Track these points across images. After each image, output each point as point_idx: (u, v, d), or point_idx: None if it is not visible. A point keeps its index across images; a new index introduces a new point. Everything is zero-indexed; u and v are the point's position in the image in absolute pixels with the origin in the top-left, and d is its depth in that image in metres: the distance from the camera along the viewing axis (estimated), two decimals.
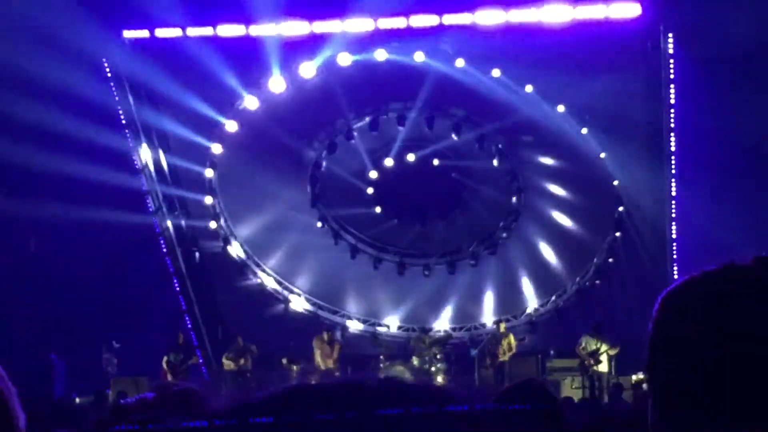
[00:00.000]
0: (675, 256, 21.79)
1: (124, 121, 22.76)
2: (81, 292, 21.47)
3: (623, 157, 22.28)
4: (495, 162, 23.49)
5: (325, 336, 21.90)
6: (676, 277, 21.31)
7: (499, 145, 23.30)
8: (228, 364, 21.84)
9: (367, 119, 23.34)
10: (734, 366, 1.42)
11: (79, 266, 21.40)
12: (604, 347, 20.10)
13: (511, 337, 21.50)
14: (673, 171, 21.48)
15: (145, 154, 23.39)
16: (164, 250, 24.11)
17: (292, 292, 24.87)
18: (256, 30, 21.65)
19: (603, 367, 20.23)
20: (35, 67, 19.67)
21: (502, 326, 21.71)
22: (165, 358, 21.08)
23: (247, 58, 22.05)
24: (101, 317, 21.64)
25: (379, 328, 24.17)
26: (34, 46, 19.64)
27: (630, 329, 21.33)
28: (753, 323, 1.43)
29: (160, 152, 23.65)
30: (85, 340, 21.51)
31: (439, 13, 21.06)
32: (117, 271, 22.10)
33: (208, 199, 23.95)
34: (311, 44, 21.92)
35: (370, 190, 24.23)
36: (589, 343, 20.38)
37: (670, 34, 20.49)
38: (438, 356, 22.16)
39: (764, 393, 1.40)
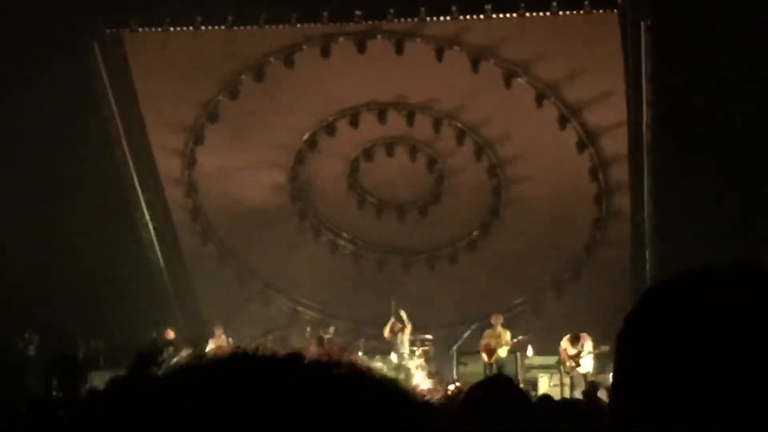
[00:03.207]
0: (651, 255, 21.89)
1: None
2: (59, 285, 21.40)
3: (602, 154, 22.42)
4: (474, 159, 23.49)
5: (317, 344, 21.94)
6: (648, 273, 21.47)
7: (479, 142, 23.32)
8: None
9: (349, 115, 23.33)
10: (703, 368, 1.41)
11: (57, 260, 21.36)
12: (586, 349, 20.20)
13: (508, 334, 21.56)
14: (650, 166, 21.53)
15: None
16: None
17: (270, 287, 24.87)
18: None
19: (586, 368, 20.31)
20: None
21: (500, 321, 21.75)
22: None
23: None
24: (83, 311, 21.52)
25: (358, 325, 24.16)
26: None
27: (607, 328, 21.51)
28: (727, 327, 1.43)
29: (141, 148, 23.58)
30: (64, 335, 21.42)
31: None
32: (98, 264, 22.00)
33: (187, 196, 23.93)
34: None
35: (350, 187, 24.20)
36: (569, 347, 20.49)
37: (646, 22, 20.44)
38: (417, 353, 22.17)
39: (731, 395, 1.40)
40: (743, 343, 1.41)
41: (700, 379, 1.40)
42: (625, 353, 1.53)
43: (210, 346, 21.74)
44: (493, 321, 21.85)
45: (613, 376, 1.58)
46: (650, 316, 1.52)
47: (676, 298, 1.50)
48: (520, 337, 21.82)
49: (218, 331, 22.01)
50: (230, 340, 21.85)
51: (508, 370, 20.22)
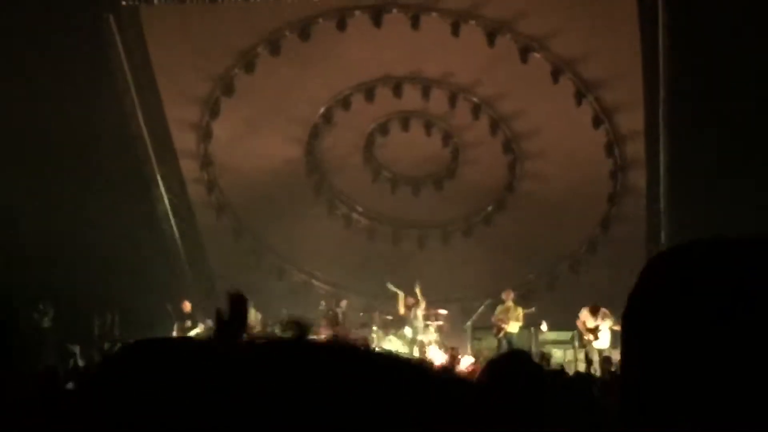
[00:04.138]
0: (666, 231, 21.85)
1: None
2: (76, 260, 21.45)
3: (617, 130, 22.38)
4: (490, 133, 23.43)
5: (330, 318, 21.93)
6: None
7: (494, 117, 23.27)
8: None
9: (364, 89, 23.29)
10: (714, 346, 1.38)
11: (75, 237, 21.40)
12: (606, 323, 20.09)
13: (520, 310, 21.53)
14: (666, 142, 21.46)
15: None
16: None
17: (285, 261, 24.92)
18: None
19: (603, 343, 20.22)
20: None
21: (511, 296, 21.72)
22: (174, 327, 21.14)
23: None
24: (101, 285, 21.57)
25: (372, 299, 24.19)
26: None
27: (622, 304, 21.46)
28: (737, 299, 1.39)
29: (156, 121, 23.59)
30: (78, 307, 21.49)
31: None
32: (113, 236, 22.03)
33: (203, 169, 23.96)
34: None
35: (365, 161, 24.18)
36: (588, 320, 20.42)
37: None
38: (431, 328, 22.18)
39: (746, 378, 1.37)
40: (749, 318, 1.38)
41: (705, 358, 1.38)
42: (630, 334, 1.51)
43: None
44: (504, 296, 21.82)
45: (621, 358, 1.55)
46: (653, 293, 1.48)
47: (679, 274, 1.46)
48: (527, 310, 21.78)
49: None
50: (259, 315, 21.82)
51: (523, 345, 20.21)
